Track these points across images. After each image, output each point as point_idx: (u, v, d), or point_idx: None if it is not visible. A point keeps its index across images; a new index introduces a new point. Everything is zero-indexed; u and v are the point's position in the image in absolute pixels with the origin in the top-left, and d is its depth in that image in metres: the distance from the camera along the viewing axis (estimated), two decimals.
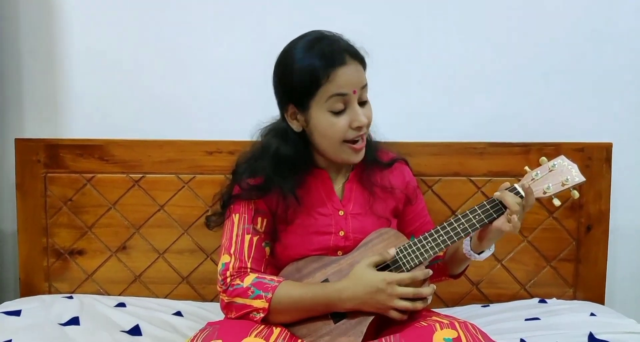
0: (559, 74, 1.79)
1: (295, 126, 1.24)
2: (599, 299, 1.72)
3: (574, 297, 1.73)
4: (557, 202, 1.17)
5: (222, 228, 1.28)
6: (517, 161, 1.71)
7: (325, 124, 1.19)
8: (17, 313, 1.51)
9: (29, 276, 1.75)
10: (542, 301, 1.68)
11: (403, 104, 1.79)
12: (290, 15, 1.76)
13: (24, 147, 1.74)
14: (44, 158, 1.73)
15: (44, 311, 1.54)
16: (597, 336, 1.37)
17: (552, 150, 1.71)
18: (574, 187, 1.17)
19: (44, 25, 1.80)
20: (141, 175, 1.74)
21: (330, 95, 1.17)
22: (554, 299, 1.70)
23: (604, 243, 1.73)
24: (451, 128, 1.78)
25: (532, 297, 1.72)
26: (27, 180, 1.73)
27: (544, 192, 1.16)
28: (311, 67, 1.16)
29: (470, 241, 1.21)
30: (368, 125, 1.22)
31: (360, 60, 1.21)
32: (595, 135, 1.76)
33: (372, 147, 1.32)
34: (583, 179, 1.17)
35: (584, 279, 1.73)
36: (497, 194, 1.16)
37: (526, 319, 1.53)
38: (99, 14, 1.79)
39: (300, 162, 1.24)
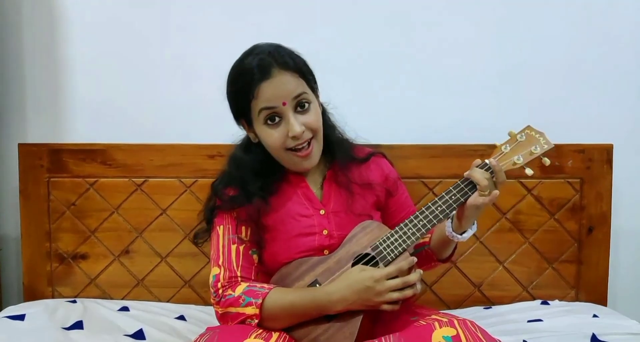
0: (560, 76, 1.79)
1: (252, 137, 1.28)
2: (602, 300, 1.72)
3: (576, 299, 1.73)
4: (529, 171, 1.19)
5: (210, 243, 1.30)
6: None
7: (265, 136, 1.22)
8: (21, 318, 1.52)
9: (32, 281, 1.76)
10: (545, 303, 1.69)
11: (402, 107, 1.80)
12: (291, 21, 1.77)
13: (27, 152, 1.74)
14: (47, 163, 1.74)
15: (47, 315, 1.55)
16: (600, 338, 1.37)
17: (552, 151, 1.70)
18: (544, 155, 1.19)
19: (47, 30, 1.81)
20: (143, 179, 1.75)
21: (260, 110, 1.19)
22: (556, 300, 1.71)
23: (605, 244, 1.73)
24: (451, 130, 1.79)
25: (534, 299, 1.73)
26: (30, 185, 1.74)
27: (514, 164, 1.19)
28: (238, 86, 1.20)
29: (452, 222, 1.22)
30: (314, 130, 1.22)
31: (294, 69, 1.19)
32: (596, 136, 1.76)
33: (345, 145, 1.33)
34: (552, 145, 1.20)
35: (586, 280, 1.73)
36: (467, 172, 1.18)
37: (529, 321, 1.53)
38: (102, 19, 1.80)
39: (267, 171, 1.27)
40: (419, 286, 1.17)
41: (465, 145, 1.73)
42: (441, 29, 1.79)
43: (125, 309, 1.65)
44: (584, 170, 1.71)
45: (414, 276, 1.15)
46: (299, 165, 1.25)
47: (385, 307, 1.14)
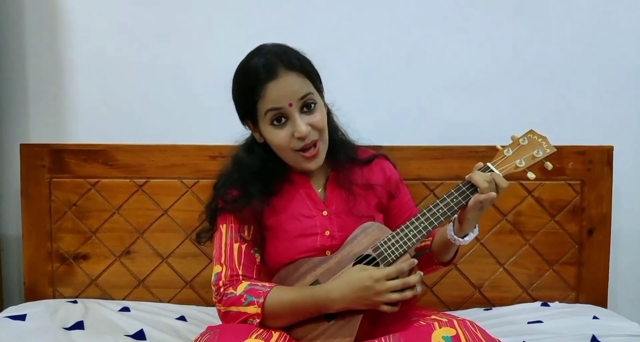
0: (560, 77, 1.80)
1: (258, 138, 1.28)
2: (602, 302, 1.72)
3: (576, 301, 1.74)
4: (531, 175, 1.19)
5: (212, 242, 1.30)
6: None
7: (271, 136, 1.22)
8: (22, 318, 1.52)
9: (33, 281, 1.76)
10: (545, 304, 1.69)
11: (403, 109, 1.80)
12: (292, 21, 1.78)
13: (29, 152, 1.75)
14: (49, 163, 1.74)
15: (48, 315, 1.55)
16: (600, 339, 1.37)
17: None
18: (546, 159, 1.19)
19: (49, 30, 1.82)
20: (145, 180, 1.75)
21: (266, 110, 1.19)
22: (557, 302, 1.71)
23: (605, 246, 1.73)
24: (452, 132, 1.79)
25: (534, 300, 1.73)
26: (32, 185, 1.75)
27: (516, 167, 1.19)
28: (244, 86, 1.21)
29: (453, 225, 1.22)
30: (319, 130, 1.22)
31: (300, 70, 1.19)
32: (597, 138, 1.76)
33: (348, 147, 1.33)
34: (554, 149, 1.19)
35: (587, 282, 1.73)
36: (468, 175, 1.18)
37: (529, 322, 1.53)
38: (104, 20, 1.81)
39: (269, 171, 1.27)
40: (419, 288, 1.17)
41: (466, 146, 1.73)
42: (442, 32, 1.79)
43: (126, 309, 1.65)
44: (584, 172, 1.71)
45: (414, 278, 1.15)
46: (305, 166, 1.24)
47: (385, 308, 1.15)
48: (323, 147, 1.24)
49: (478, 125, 1.80)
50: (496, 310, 1.68)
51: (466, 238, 1.21)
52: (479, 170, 1.19)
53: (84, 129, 1.84)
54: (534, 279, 1.74)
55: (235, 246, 1.24)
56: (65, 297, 1.75)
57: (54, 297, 1.76)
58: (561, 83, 1.80)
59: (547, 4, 1.78)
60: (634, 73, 1.80)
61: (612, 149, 1.72)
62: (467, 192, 1.18)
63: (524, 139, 1.21)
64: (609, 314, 1.60)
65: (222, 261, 1.23)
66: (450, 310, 1.73)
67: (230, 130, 1.79)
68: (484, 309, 1.71)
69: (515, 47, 1.79)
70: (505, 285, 1.74)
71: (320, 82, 1.27)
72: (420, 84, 1.80)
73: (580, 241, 1.73)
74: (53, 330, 1.45)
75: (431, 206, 1.19)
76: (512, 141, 1.22)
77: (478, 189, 1.15)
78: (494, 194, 1.14)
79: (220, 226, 1.27)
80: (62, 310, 1.59)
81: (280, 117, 1.19)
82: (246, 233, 1.26)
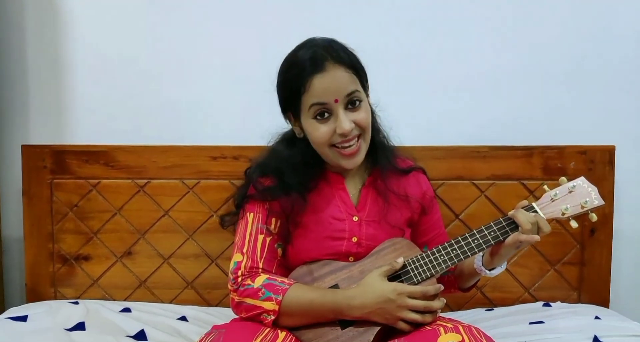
0: (561, 77, 1.80)
1: (297, 132, 1.25)
2: (604, 302, 1.72)
3: (578, 301, 1.73)
4: (574, 224, 1.15)
5: (234, 228, 1.28)
6: (520, 165, 1.72)
7: (311, 130, 1.19)
8: (23, 319, 1.52)
9: (35, 282, 1.76)
10: (547, 305, 1.68)
11: (407, 108, 1.80)
12: (295, 21, 1.77)
13: (30, 153, 1.75)
14: (50, 164, 1.74)
15: (50, 316, 1.55)
16: (602, 339, 1.37)
17: (555, 153, 1.71)
18: (592, 210, 1.15)
19: (50, 31, 1.82)
20: (146, 180, 1.75)
21: (311, 105, 1.16)
22: (559, 302, 1.71)
23: (607, 246, 1.73)
24: (454, 132, 1.79)
25: (536, 300, 1.73)
26: (33, 186, 1.75)
27: (562, 214, 1.15)
28: (289, 77, 1.18)
29: (483, 256, 1.20)
30: (363, 128, 1.20)
31: (348, 65, 1.17)
32: (598, 138, 1.76)
33: (389, 152, 1.30)
34: (602, 202, 1.15)
35: (588, 282, 1.73)
36: (511, 212, 1.15)
37: (530, 323, 1.53)
38: (105, 21, 1.81)
39: (307, 167, 1.25)
40: (438, 313, 1.15)
41: (469, 147, 1.73)
42: (447, 33, 1.79)
43: (127, 310, 1.65)
44: (586, 171, 1.71)
45: (438, 304, 1.13)
46: (342, 164, 1.21)
47: (401, 325, 1.12)
48: (364, 147, 1.21)
49: (479, 126, 1.80)
50: (498, 310, 1.68)
51: (494, 271, 1.20)
52: (523, 208, 1.16)
53: (85, 129, 1.83)
54: (536, 279, 1.74)
55: (260, 237, 1.22)
56: (66, 298, 1.75)
57: (55, 298, 1.76)
58: (562, 83, 1.80)
59: (549, 4, 1.78)
60: (635, 73, 1.79)
61: (614, 149, 1.72)
62: (507, 229, 1.15)
63: (574, 185, 1.16)
64: (611, 314, 1.60)
65: (244, 250, 1.21)
66: (452, 310, 1.73)
67: (231, 131, 1.80)
68: (486, 310, 1.70)
69: (517, 47, 1.79)
70: (507, 285, 1.74)
71: (367, 80, 1.24)
72: (421, 83, 1.80)
73: (582, 241, 1.73)
74: (54, 331, 1.45)
75: (467, 235, 1.17)
76: (560, 184, 1.17)
77: (520, 229, 1.12)
78: (537, 237, 1.11)
79: (248, 213, 1.25)
80: (63, 311, 1.59)
81: (324, 112, 1.17)
82: (273, 226, 1.24)
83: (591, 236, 1.72)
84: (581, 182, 1.17)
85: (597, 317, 1.54)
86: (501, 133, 1.78)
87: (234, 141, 1.73)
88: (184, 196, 1.75)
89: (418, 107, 1.81)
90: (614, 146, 1.72)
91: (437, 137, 1.77)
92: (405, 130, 1.77)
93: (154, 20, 1.80)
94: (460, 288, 1.32)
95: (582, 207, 1.14)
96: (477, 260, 1.20)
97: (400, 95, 1.80)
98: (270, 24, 1.78)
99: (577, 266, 1.73)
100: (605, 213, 1.71)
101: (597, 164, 1.71)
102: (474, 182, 1.73)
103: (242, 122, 1.79)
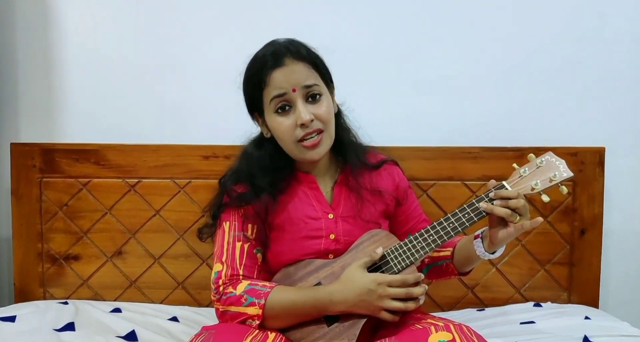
0: (552, 78, 1.81)
1: (265, 132, 1.28)
2: (593, 302, 1.73)
3: (568, 301, 1.74)
4: (545, 198, 1.17)
5: (213, 239, 1.29)
6: (510, 165, 1.68)
7: (275, 126, 1.21)
8: (11, 319, 1.50)
9: (23, 282, 1.75)
10: (537, 305, 1.69)
11: (396, 109, 1.80)
12: (286, 21, 1.77)
13: (20, 151, 1.73)
14: (40, 163, 1.73)
15: (38, 316, 1.53)
16: (592, 339, 1.37)
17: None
18: (562, 183, 1.17)
19: (40, 29, 1.80)
20: (137, 180, 1.74)
21: (272, 97, 1.19)
22: (549, 302, 1.72)
23: (597, 247, 1.74)
24: (445, 133, 1.80)
25: (526, 301, 1.74)
26: (23, 185, 1.73)
27: (532, 189, 1.16)
28: (252, 74, 1.21)
29: (484, 243, 1.21)
30: (324, 122, 1.20)
31: (308, 61, 1.20)
32: (588, 139, 1.78)
33: (359, 150, 1.32)
34: (571, 173, 1.17)
35: (578, 282, 1.74)
36: (482, 205, 1.15)
37: (521, 323, 1.54)
38: (95, 19, 1.80)
39: (277, 168, 1.26)
40: (422, 300, 1.16)
41: (459, 147, 1.74)
42: (436, 33, 1.79)
43: (117, 310, 1.64)
44: (576, 173, 1.71)
45: (419, 290, 1.14)
46: (306, 156, 1.22)
47: (385, 315, 1.13)
48: (326, 139, 1.22)
49: (470, 127, 1.80)
50: (489, 310, 1.69)
51: (496, 253, 1.21)
52: (493, 187, 1.17)
53: (75, 128, 1.82)
54: (526, 280, 1.75)
55: (238, 245, 1.23)
56: (55, 298, 1.74)
57: (44, 298, 1.75)
58: (553, 85, 1.81)
59: (541, 5, 1.79)
60: (625, 75, 1.81)
61: (604, 150, 1.73)
62: (480, 210, 1.16)
63: (542, 161, 1.17)
64: (600, 315, 1.61)
65: (224, 259, 1.22)
66: (444, 311, 1.73)
67: (222, 131, 1.79)
68: (477, 310, 1.71)
69: (507, 49, 1.80)
70: (497, 285, 1.75)
71: (331, 80, 1.26)
72: (411, 84, 1.80)
73: (572, 242, 1.74)
74: (43, 331, 1.44)
75: (442, 220, 1.18)
76: (529, 161, 1.18)
77: (516, 218, 1.13)
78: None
79: (224, 223, 1.26)
80: (52, 311, 1.58)
81: (284, 105, 1.19)
82: (249, 232, 1.25)
83: (581, 237, 1.73)
84: (549, 156, 1.18)
85: (587, 318, 1.55)
86: (492, 134, 1.79)
87: (226, 140, 1.72)
88: (175, 196, 1.74)
89: (407, 107, 1.81)
90: (604, 147, 1.74)
91: (427, 138, 1.77)
92: (394, 130, 1.79)
93: (145, 19, 1.80)
94: (460, 273, 1.32)
95: (551, 181, 1.15)
96: (479, 247, 1.20)
97: (390, 95, 1.81)
98: (261, 23, 1.78)
99: (567, 266, 1.74)
100: (595, 214, 1.73)
101: (588, 165, 1.72)
102: (465, 182, 1.74)
103: (234, 121, 1.77)
